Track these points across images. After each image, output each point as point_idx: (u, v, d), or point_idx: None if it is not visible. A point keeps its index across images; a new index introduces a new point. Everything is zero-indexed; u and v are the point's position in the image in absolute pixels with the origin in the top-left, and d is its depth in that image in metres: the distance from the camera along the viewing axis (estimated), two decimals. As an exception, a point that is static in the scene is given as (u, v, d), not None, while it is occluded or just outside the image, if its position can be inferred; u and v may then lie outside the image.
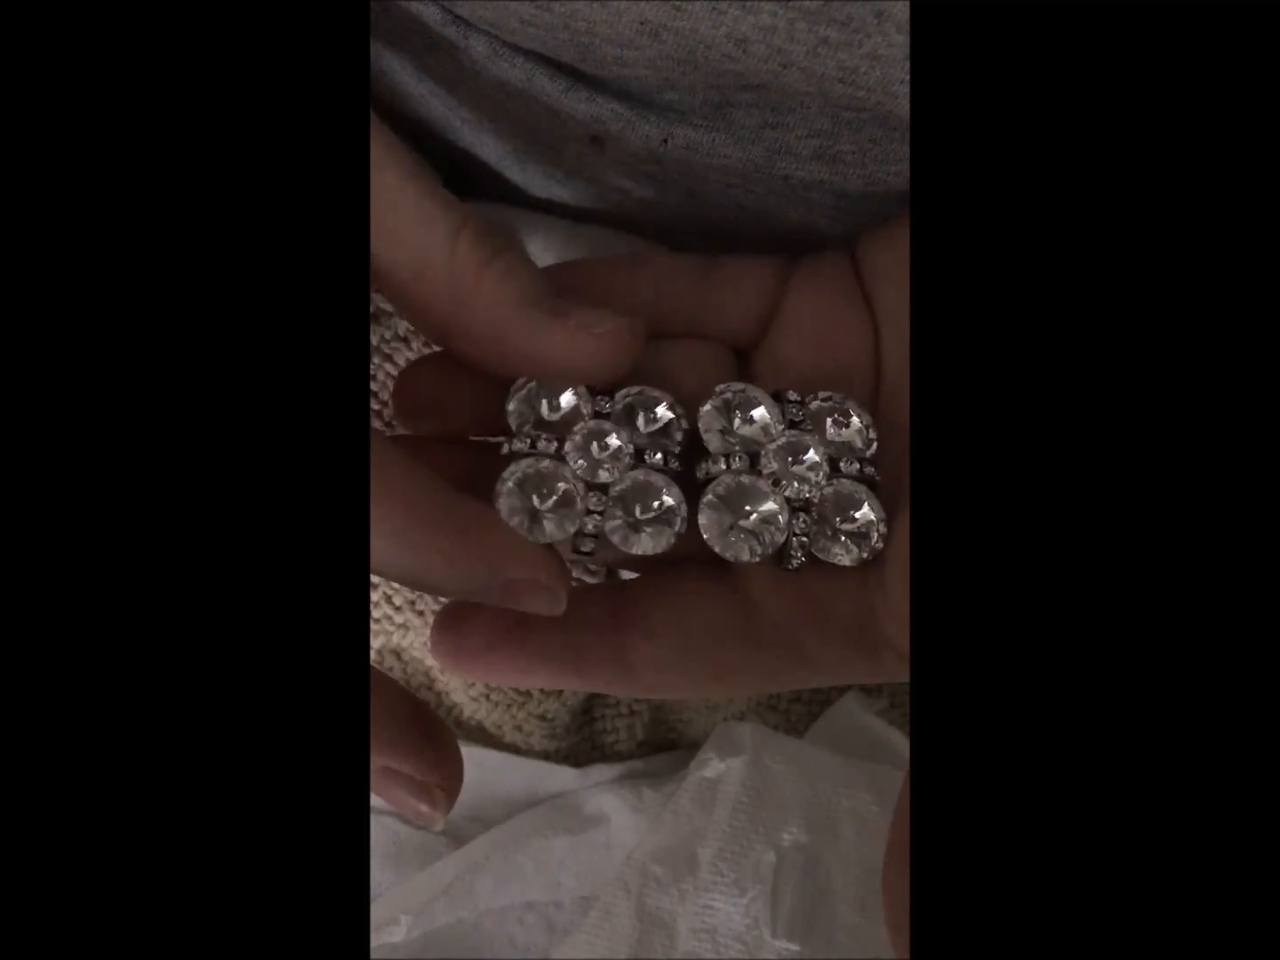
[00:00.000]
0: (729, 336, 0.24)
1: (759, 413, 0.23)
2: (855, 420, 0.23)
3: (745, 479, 0.22)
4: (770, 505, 0.22)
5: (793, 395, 0.23)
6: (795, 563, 0.22)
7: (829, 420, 0.23)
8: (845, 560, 0.23)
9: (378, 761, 0.21)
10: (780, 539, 0.22)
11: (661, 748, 0.39)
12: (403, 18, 0.23)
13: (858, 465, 0.23)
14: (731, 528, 0.22)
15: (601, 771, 0.38)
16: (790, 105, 0.22)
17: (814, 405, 0.23)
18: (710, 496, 0.22)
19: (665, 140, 0.23)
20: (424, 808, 0.21)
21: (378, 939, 0.35)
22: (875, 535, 0.22)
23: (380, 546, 0.19)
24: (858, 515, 0.23)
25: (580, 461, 0.22)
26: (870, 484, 0.23)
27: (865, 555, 0.23)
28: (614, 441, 0.22)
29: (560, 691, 0.35)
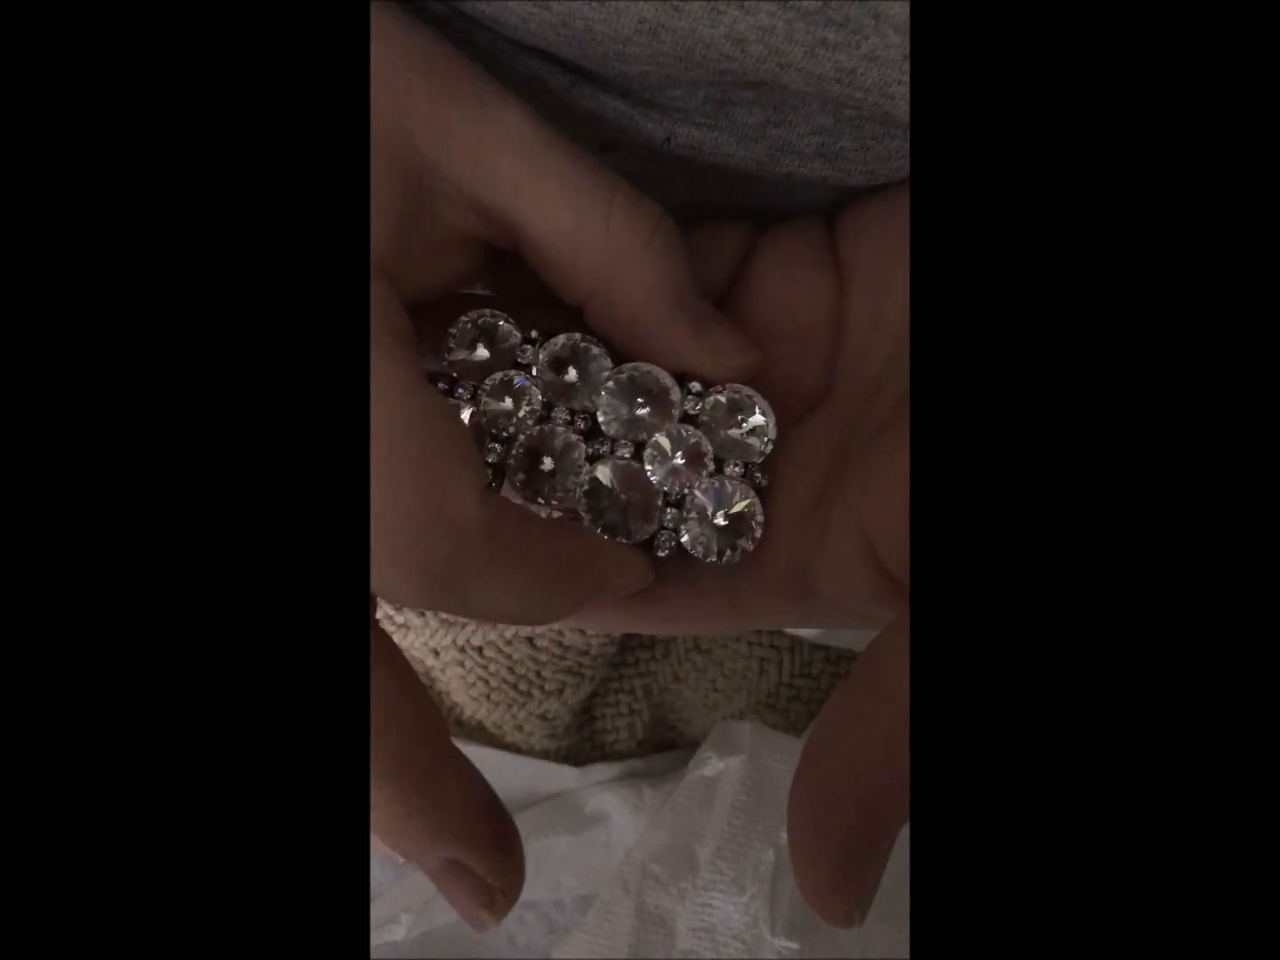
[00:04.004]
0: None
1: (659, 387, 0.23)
2: (757, 417, 0.23)
3: (632, 466, 0.23)
4: (645, 494, 0.23)
5: (695, 387, 0.23)
6: (664, 551, 0.23)
7: (726, 417, 0.23)
8: (714, 558, 0.23)
9: (445, 851, 0.20)
10: (651, 528, 0.23)
11: (661, 747, 0.39)
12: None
13: (742, 468, 0.23)
14: (606, 508, 0.23)
15: (602, 771, 0.38)
16: (792, 103, 0.22)
17: (713, 399, 0.23)
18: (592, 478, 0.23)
19: (668, 139, 0.23)
20: (483, 912, 0.21)
21: (378, 937, 0.35)
22: (754, 528, 0.22)
23: (507, 601, 0.19)
24: (733, 510, 0.23)
25: (486, 410, 0.22)
26: (754, 488, 0.23)
27: (737, 552, 0.23)
28: (523, 399, 0.22)
29: (561, 690, 0.35)
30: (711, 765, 0.34)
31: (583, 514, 0.23)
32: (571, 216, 0.21)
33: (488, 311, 0.23)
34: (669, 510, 0.23)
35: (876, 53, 0.19)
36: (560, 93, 0.23)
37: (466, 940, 0.36)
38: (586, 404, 0.23)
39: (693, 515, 0.23)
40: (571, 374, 0.23)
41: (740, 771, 0.34)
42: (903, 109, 0.20)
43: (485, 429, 0.23)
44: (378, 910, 0.36)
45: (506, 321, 0.23)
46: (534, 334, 0.23)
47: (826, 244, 0.25)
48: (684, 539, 0.23)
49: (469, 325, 0.23)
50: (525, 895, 0.36)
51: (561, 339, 0.23)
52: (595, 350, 0.23)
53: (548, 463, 0.23)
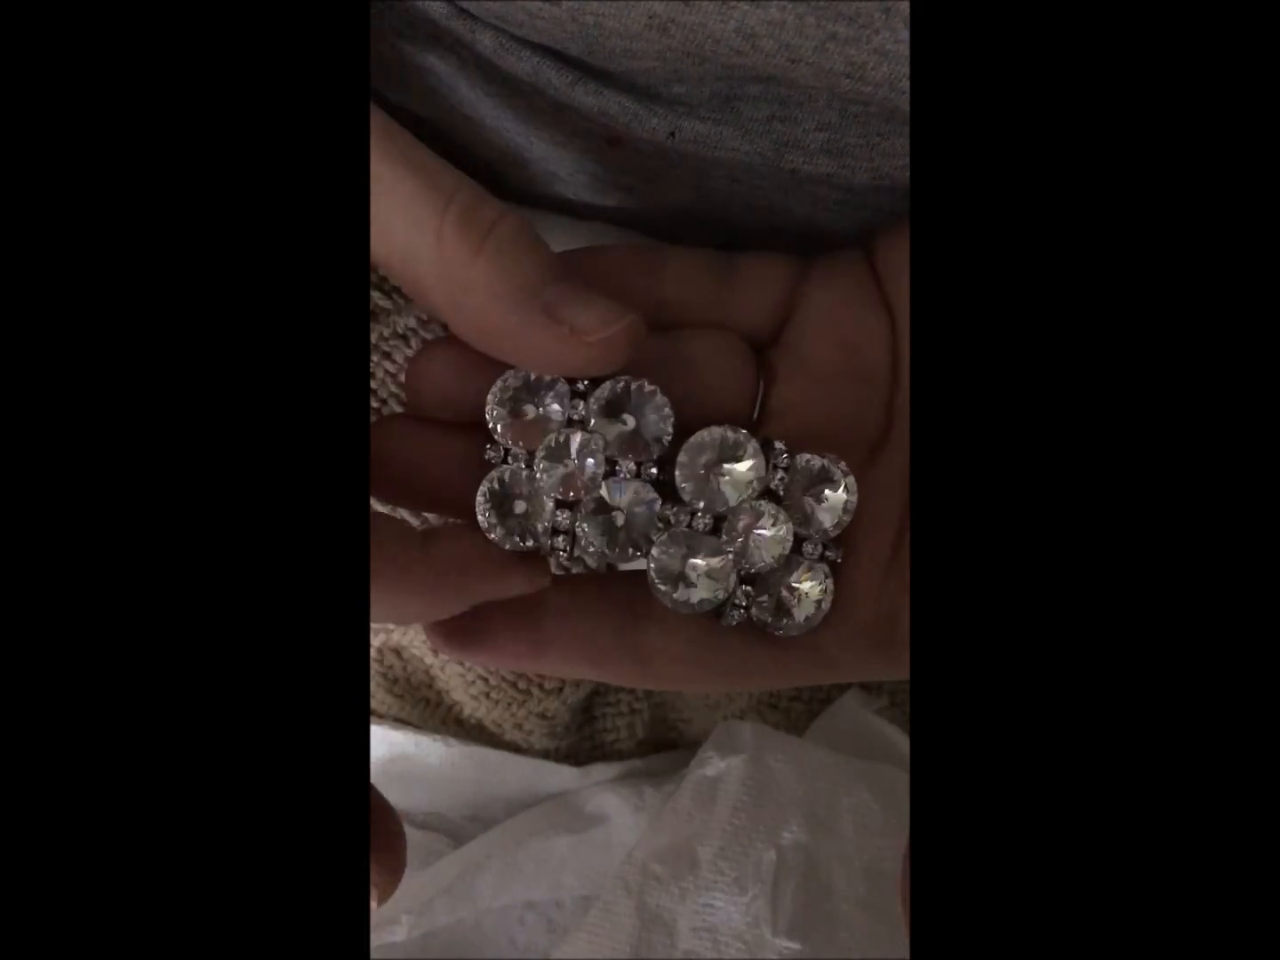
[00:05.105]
0: (745, 334, 0.24)
1: (741, 468, 0.22)
2: (839, 491, 0.22)
3: (705, 538, 0.22)
4: (718, 562, 0.22)
5: (782, 458, 0.22)
6: (734, 620, 0.22)
7: (807, 491, 0.22)
8: (790, 630, 0.22)
9: None
10: (721, 597, 0.22)
11: (662, 746, 0.39)
12: (406, 13, 0.23)
13: (821, 548, 0.22)
14: (677, 575, 0.22)
15: (602, 770, 0.38)
16: (798, 98, 0.22)
17: (800, 463, 0.22)
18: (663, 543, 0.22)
19: (673, 133, 0.23)
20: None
21: (378, 938, 0.35)
22: (822, 604, 0.22)
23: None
24: (803, 586, 0.22)
25: (546, 477, 0.21)
26: (830, 565, 0.22)
27: (806, 621, 0.22)
28: (588, 462, 0.21)
29: (561, 689, 0.35)
30: (713, 765, 0.34)
31: (653, 576, 0.22)
32: (404, 234, 0.19)
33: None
34: (743, 587, 0.22)
35: (886, 47, 0.19)
36: (564, 89, 0.22)
37: (466, 941, 0.35)
38: (647, 454, 0.22)
39: (763, 590, 0.22)
40: (629, 421, 0.22)
41: (742, 771, 0.34)
42: (911, 103, 0.20)
43: (549, 495, 0.22)
44: (378, 911, 0.35)
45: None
46: (581, 384, 0.22)
47: (872, 279, 0.24)
48: (754, 613, 0.22)
49: (508, 386, 0.22)
50: (526, 895, 0.36)
51: (608, 386, 0.22)
52: (660, 397, 0.21)
53: (619, 518, 0.22)
